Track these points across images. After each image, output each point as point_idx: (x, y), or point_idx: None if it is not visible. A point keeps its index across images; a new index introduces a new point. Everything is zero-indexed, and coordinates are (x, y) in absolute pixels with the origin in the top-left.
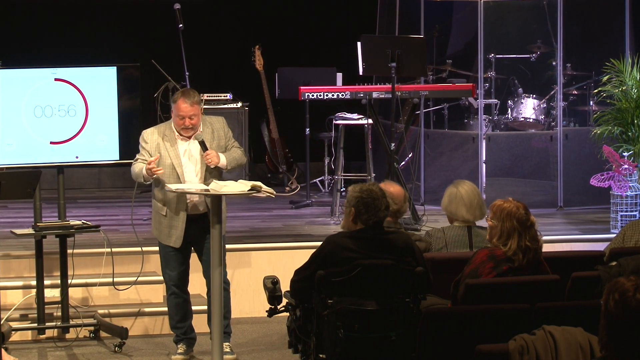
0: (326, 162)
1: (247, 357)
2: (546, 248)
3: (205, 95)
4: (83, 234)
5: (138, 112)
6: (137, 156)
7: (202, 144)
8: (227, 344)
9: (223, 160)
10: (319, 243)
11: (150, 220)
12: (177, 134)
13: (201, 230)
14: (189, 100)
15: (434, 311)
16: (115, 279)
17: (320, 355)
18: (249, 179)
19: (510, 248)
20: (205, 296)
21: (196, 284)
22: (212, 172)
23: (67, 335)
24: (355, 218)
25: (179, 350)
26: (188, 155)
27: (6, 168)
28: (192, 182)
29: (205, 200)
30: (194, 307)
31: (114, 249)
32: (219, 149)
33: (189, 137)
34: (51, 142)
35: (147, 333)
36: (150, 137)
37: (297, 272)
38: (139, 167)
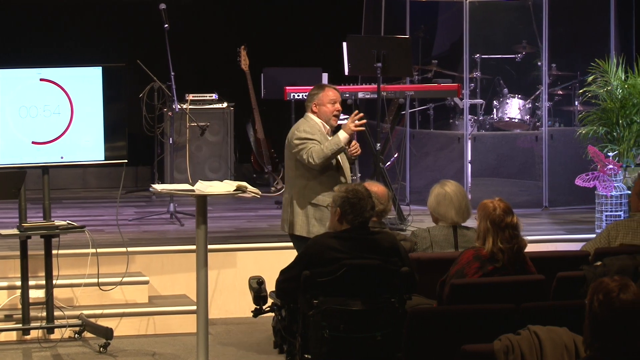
0: None
1: (232, 358)
2: (531, 248)
3: (191, 95)
4: (68, 234)
5: (123, 112)
6: (307, 143)
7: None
8: None
9: None
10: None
11: (135, 221)
12: (324, 128)
13: None
14: (335, 88)
15: (420, 311)
16: (101, 280)
17: (306, 356)
18: (235, 179)
19: (488, 249)
20: (191, 297)
21: (182, 284)
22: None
23: (52, 336)
24: (341, 218)
25: None
26: None
27: None
28: (345, 175)
29: None
30: (179, 308)
31: (99, 250)
32: None
33: (336, 125)
34: (36, 143)
35: (132, 334)
36: (311, 129)
37: (283, 273)
38: (325, 146)
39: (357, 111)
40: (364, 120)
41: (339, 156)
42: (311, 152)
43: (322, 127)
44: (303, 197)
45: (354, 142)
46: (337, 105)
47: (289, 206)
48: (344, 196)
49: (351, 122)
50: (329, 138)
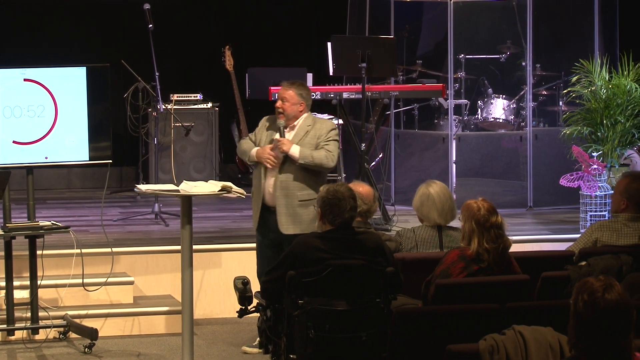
0: None
1: (218, 358)
2: (516, 248)
3: (176, 95)
4: (53, 234)
5: (108, 112)
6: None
7: (280, 130)
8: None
9: (294, 151)
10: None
11: (120, 221)
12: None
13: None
14: (287, 84)
15: (405, 311)
16: (85, 280)
17: (291, 356)
18: (220, 180)
19: (473, 249)
20: (176, 297)
21: (167, 284)
22: (289, 165)
23: (37, 337)
24: (322, 218)
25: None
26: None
27: None
28: (268, 170)
29: (276, 197)
30: (164, 308)
31: (83, 250)
32: (308, 146)
33: (284, 123)
34: (20, 143)
35: (117, 334)
36: (262, 121)
37: (268, 273)
38: (246, 144)
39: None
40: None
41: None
42: (239, 143)
43: (264, 127)
44: None
45: (281, 137)
46: (279, 102)
47: None
48: (323, 196)
49: (263, 154)
50: (276, 135)
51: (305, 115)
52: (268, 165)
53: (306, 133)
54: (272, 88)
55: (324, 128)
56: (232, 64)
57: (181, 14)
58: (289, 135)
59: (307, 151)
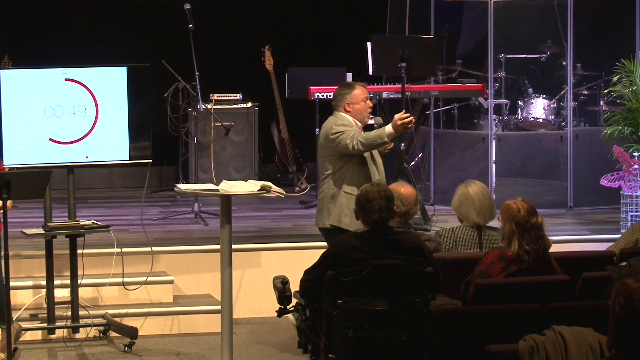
0: None
1: (257, 357)
2: (556, 248)
3: (216, 95)
4: (93, 234)
5: (148, 112)
6: (347, 131)
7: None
8: None
9: None
10: None
11: (160, 220)
12: (356, 125)
13: None
14: (360, 83)
15: (445, 311)
16: (125, 279)
17: (330, 356)
18: (259, 179)
19: (514, 250)
20: (215, 296)
21: (206, 284)
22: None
23: (77, 335)
24: (357, 216)
25: None
26: None
27: (16, 168)
28: (378, 169)
29: None
30: (203, 307)
31: (124, 249)
32: None
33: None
34: (60, 142)
35: (157, 333)
36: (347, 122)
37: (307, 272)
38: (370, 133)
39: (404, 111)
40: (411, 118)
41: (373, 151)
42: (355, 137)
43: (355, 125)
44: (339, 189)
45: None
46: (369, 102)
47: (327, 201)
48: (358, 196)
49: (399, 119)
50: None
51: None
52: (412, 125)
53: None
54: (311, 88)
55: None
56: (272, 64)
57: (221, 14)
58: None
59: None
